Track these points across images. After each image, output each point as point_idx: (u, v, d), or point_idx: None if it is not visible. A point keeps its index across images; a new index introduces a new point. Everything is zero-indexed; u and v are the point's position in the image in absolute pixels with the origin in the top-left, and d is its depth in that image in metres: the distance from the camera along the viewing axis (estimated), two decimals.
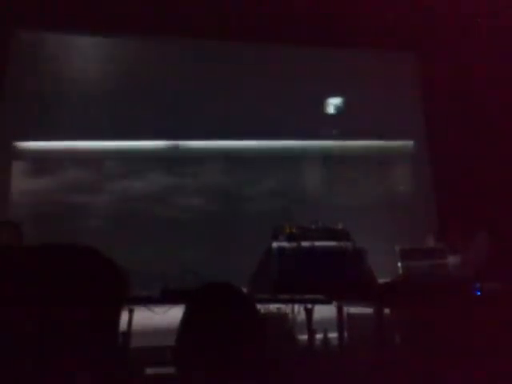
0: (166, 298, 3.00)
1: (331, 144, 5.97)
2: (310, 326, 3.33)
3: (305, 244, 3.29)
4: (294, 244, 3.27)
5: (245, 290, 3.18)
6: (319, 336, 3.88)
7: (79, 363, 0.96)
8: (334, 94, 5.93)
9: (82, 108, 5.37)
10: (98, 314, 1.01)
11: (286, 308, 3.83)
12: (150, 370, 3.11)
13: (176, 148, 5.66)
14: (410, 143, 6.16)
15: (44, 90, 5.30)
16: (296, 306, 3.64)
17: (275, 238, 3.32)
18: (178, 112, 5.62)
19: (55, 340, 0.95)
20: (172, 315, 2.83)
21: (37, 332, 0.93)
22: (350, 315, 3.78)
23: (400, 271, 3.75)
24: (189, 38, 5.61)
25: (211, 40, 5.58)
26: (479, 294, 3.06)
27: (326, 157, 5.96)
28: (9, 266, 0.99)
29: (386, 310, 3.36)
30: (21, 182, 5.23)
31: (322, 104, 5.91)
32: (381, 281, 3.55)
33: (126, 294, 1.12)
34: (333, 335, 3.87)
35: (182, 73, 5.66)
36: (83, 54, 5.48)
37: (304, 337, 3.56)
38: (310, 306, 3.36)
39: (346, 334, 3.57)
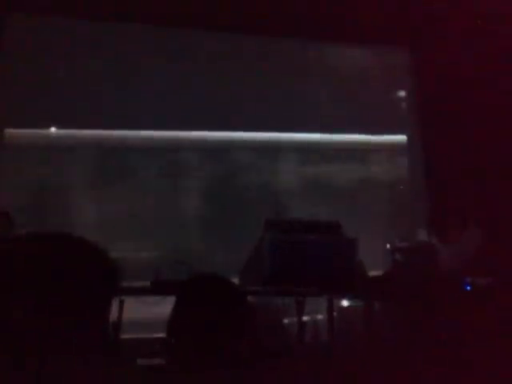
0: (157, 289, 3.00)
1: (325, 138, 5.97)
2: (300, 318, 3.34)
3: (297, 236, 3.28)
4: (286, 236, 3.27)
5: (236, 281, 3.18)
6: (309, 328, 3.90)
7: (69, 352, 0.96)
8: (329, 90, 5.92)
9: (76, 95, 5.31)
10: (87, 303, 1.00)
11: (276, 300, 3.84)
12: (140, 361, 3.09)
13: (171, 140, 5.63)
14: (403, 138, 6.18)
15: (37, 77, 5.24)
16: (287, 298, 3.65)
17: (267, 229, 3.32)
18: (178, 102, 5.57)
19: (44, 329, 0.94)
20: (163, 306, 2.83)
21: (25, 321, 0.92)
22: (340, 308, 3.80)
23: (391, 264, 3.76)
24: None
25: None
26: (469, 288, 3.08)
27: (319, 150, 5.96)
28: None
29: (377, 303, 3.37)
30: (10, 171, 5.18)
31: (316, 98, 5.90)
32: (372, 274, 3.56)
33: (115, 284, 1.12)
34: (323, 327, 3.89)
35: (183, 62, 5.62)
36: (79, 41, 5.40)
37: (294, 329, 3.57)
38: (300, 298, 3.37)
39: (335, 327, 3.59)
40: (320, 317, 3.88)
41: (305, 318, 3.47)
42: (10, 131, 5.28)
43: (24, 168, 5.23)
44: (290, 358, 3.19)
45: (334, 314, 3.52)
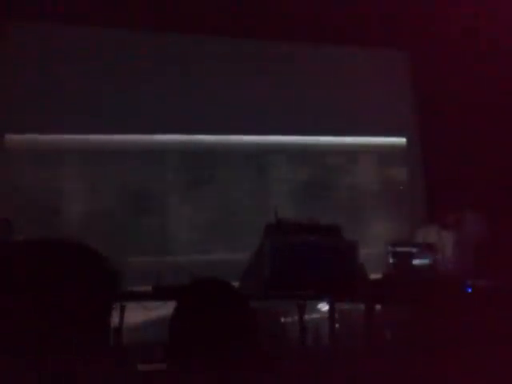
0: (158, 294, 3.00)
1: (325, 140, 5.97)
2: (301, 321, 3.34)
3: (298, 240, 3.28)
4: (286, 240, 3.26)
5: (237, 286, 3.17)
6: (310, 331, 3.89)
7: (69, 358, 0.96)
8: (329, 91, 5.91)
9: (77, 100, 5.31)
10: (87, 309, 1.00)
11: (278, 304, 3.83)
12: (141, 367, 3.10)
13: (172, 143, 5.63)
14: (402, 140, 6.17)
15: (39, 81, 5.24)
16: (288, 302, 3.64)
17: (268, 234, 3.31)
18: (178, 106, 5.57)
19: (45, 334, 0.94)
20: (164, 311, 2.83)
21: (26, 325, 0.92)
22: (341, 311, 3.79)
23: (391, 267, 3.75)
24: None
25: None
26: (470, 291, 3.07)
27: (319, 153, 5.96)
28: None
29: (378, 307, 3.37)
30: (12, 176, 5.18)
31: (315, 101, 5.89)
32: (373, 277, 3.56)
33: (116, 289, 1.11)
34: (324, 330, 3.88)
35: (181, 66, 5.63)
36: (79, 45, 5.40)
37: (296, 333, 3.57)
38: (302, 302, 3.36)
39: (336, 330, 3.58)
40: (321, 320, 3.88)
41: (306, 321, 3.46)
42: (11, 136, 5.28)
43: (24, 173, 5.23)
44: (291, 361, 3.19)
45: (335, 316, 3.52)
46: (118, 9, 5.07)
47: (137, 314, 3.27)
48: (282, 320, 3.89)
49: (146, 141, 5.57)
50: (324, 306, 3.50)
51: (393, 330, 3.56)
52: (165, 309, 2.71)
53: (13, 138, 5.28)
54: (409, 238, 4.47)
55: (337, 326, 3.56)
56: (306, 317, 3.41)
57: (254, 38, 5.73)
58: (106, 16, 5.14)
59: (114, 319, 2.40)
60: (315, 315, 3.94)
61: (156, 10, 5.24)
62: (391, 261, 3.74)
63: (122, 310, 3.13)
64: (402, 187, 6.02)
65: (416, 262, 3.67)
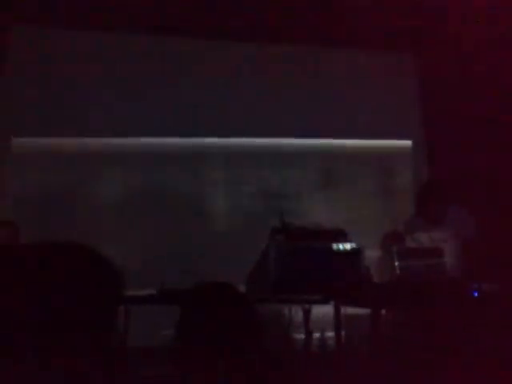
0: (163, 297, 3.00)
1: (329, 143, 5.96)
2: (307, 326, 3.33)
3: (303, 244, 3.27)
4: (291, 244, 3.26)
5: (242, 290, 3.17)
6: (316, 336, 3.88)
7: (74, 363, 0.95)
8: (332, 94, 5.92)
9: (81, 104, 5.34)
10: (92, 313, 1.00)
11: (283, 308, 3.83)
12: (145, 370, 3.09)
13: (174, 145, 5.65)
14: (408, 143, 6.17)
15: (43, 85, 5.27)
16: (293, 306, 3.64)
17: (273, 237, 3.31)
18: (177, 109, 5.60)
19: (49, 340, 0.94)
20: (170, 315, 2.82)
21: (28, 329, 0.92)
22: (347, 315, 3.77)
23: (397, 271, 3.73)
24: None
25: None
26: (476, 294, 3.05)
27: (325, 155, 5.96)
28: (4, 264, 0.98)
29: (383, 311, 3.35)
30: (18, 179, 5.21)
31: (320, 103, 5.90)
32: (378, 281, 3.55)
33: (121, 293, 1.11)
34: (330, 335, 3.87)
35: (182, 69, 5.66)
36: (83, 50, 5.44)
37: (301, 337, 3.56)
38: (307, 306, 3.36)
39: (343, 335, 3.57)
40: (326, 324, 3.87)
41: (311, 325, 3.46)
42: (19, 140, 5.32)
43: (32, 176, 5.26)
44: (296, 365, 3.18)
45: (341, 321, 3.51)
46: (118, 11, 5.09)
47: (142, 317, 3.27)
48: (287, 324, 3.88)
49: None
50: (329, 310, 3.49)
51: (397, 333, 3.54)
52: (169, 312, 2.70)
53: (20, 141, 5.32)
54: (414, 241, 4.45)
55: (342, 329, 3.55)
56: (311, 320, 3.40)
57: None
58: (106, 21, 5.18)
59: (118, 323, 2.40)
60: (320, 319, 3.93)
61: (156, 11, 5.26)
62: (396, 264, 3.72)
63: (126, 314, 3.13)
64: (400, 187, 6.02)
65: (422, 265, 3.65)
